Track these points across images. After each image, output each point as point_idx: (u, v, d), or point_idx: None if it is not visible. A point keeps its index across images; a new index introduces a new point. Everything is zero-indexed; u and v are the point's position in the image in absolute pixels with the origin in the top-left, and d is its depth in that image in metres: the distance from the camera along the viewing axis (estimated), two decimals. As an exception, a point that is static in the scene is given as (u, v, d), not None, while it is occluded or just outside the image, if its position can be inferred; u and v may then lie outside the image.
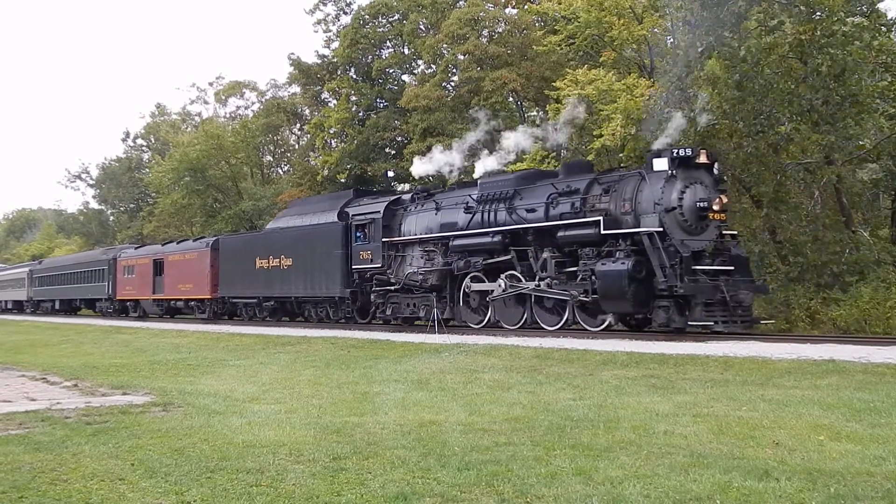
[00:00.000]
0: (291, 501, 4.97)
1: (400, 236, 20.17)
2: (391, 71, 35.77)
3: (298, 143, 48.18)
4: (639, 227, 14.74)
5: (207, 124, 48.83)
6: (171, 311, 31.78)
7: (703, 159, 15.03)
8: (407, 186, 37.15)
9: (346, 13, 38.22)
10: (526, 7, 30.79)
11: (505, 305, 17.38)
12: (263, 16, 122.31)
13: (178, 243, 32.36)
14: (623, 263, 14.54)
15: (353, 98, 35.47)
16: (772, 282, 18.62)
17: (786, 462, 5.64)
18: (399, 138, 33.86)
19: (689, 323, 14.17)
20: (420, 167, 23.73)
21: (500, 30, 30.20)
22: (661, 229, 14.42)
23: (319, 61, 38.67)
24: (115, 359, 16.86)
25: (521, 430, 7.11)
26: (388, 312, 20.58)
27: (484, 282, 17.89)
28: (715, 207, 14.82)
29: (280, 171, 51.72)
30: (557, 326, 16.26)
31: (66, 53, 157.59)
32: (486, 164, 20.94)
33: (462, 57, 29.27)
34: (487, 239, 17.61)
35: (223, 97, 53.55)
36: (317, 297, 22.85)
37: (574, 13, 26.18)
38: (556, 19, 27.64)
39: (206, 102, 56.69)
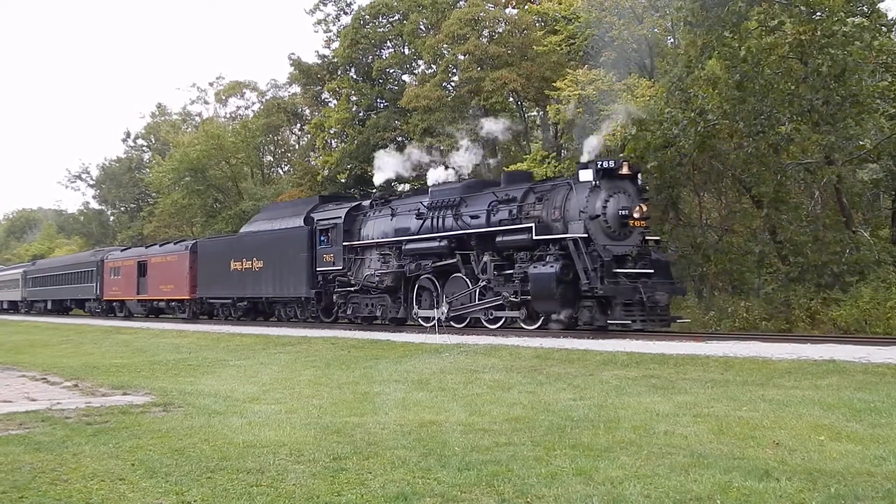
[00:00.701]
0: (292, 501, 4.97)
1: (359, 240, 21.39)
2: (391, 71, 35.76)
3: (299, 144, 48.18)
4: (566, 233, 15.94)
5: (208, 124, 48.81)
6: (153, 311, 32.98)
7: (625, 171, 16.29)
8: (408, 187, 37.25)
9: (346, 13, 38.24)
10: (526, 7, 30.79)
11: (457, 305, 18.61)
12: (264, 16, 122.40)
13: (160, 246, 33.67)
14: (552, 267, 15.70)
15: (354, 98, 35.46)
16: (772, 282, 18.64)
17: (786, 462, 5.64)
18: (399, 138, 33.84)
19: (609, 322, 15.40)
20: (380, 176, 25.09)
21: (501, 30, 30.18)
22: (585, 235, 15.68)
23: (320, 61, 38.67)
24: (116, 359, 16.86)
25: (522, 430, 7.11)
26: (349, 312, 21.84)
27: (433, 289, 19.16)
28: (636, 215, 16.09)
29: (280, 171, 51.73)
30: (498, 326, 17.60)
31: (67, 53, 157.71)
32: (437, 174, 21.91)
33: (462, 57, 29.25)
34: (436, 243, 18.81)
35: (223, 97, 53.57)
36: (285, 298, 24.14)
37: (574, 13, 26.21)
38: (556, 19, 27.67)
39: (206, 102, 56.72)
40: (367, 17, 35.27)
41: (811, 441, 6.32)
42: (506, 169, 26.00)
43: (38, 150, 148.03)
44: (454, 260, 18.44)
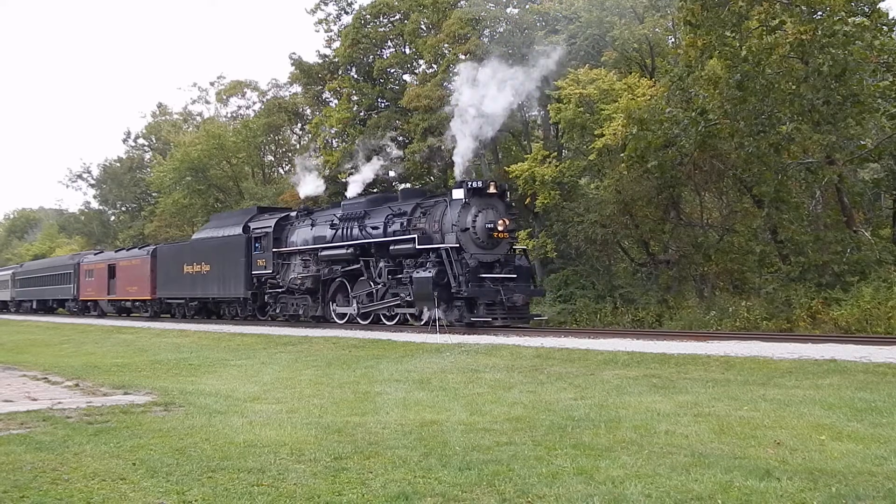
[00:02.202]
0: (293, 501, 4.97)
1: (286, 247, 24.19)
2: (392, 71, 35.72)
3: (300, 143, 48.16)
4: (442, 243, 18.60)
5: (209, 124, 48.80)
6: (121, 310, 36.28)
7: (492, 190, 19.16)
8: (408, 186, 37.26)
9: (347, 13, 38.18)
10: (527, 7, 30.76)
11: (362, 305, 21.51)
12: (264, 16, 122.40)
13: (127, 251, 36.82)
14: (429, 272, 18.44)
15: (355, 98, 35.41)
16: (773, 281, 18.62)
17: (787, 462, 5.63)
18: (400, 138, 33.83)
19: (472, 318, 18.04)
20: (307, 188, 28.77)
21: (502, 30, 30.16)
22: (457, 245, 18.36)
23: (320, 61, 38.62)
24: (117, 358, 16.87)
25: (523, 429, 7.11)
26: (278, 311, 24.84)
27: (348, 290, 21.88)
28: (500, 228, 18.78)
29: (281, 170, 51.70)
30: (394, 322, 20.43)
31: (68, 53, 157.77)
32: (352, 188, 25.56)
33: (463, 57, 29.23)
34: (344, 251, 21.54)
35: (224, 97, 53.54)
36: (228, 298, 27.08)
37: (575, 13, 26.19)
38: (557, 19, 27.65)
39: (207, 102, 56.72)
40: (368, 16, 35.23)
41: (812, 441, 6.32)
42: (506, 168, 26.07)
43: (39, 150, 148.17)
44: (359, 265, 21.26)
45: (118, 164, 61.40)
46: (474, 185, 19.00)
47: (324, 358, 15.40)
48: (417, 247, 19.05)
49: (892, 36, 17.75)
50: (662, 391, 9.35)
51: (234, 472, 5.65)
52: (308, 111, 43.89)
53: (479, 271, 18.30)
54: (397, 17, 35.02)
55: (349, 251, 21.37)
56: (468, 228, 18.56)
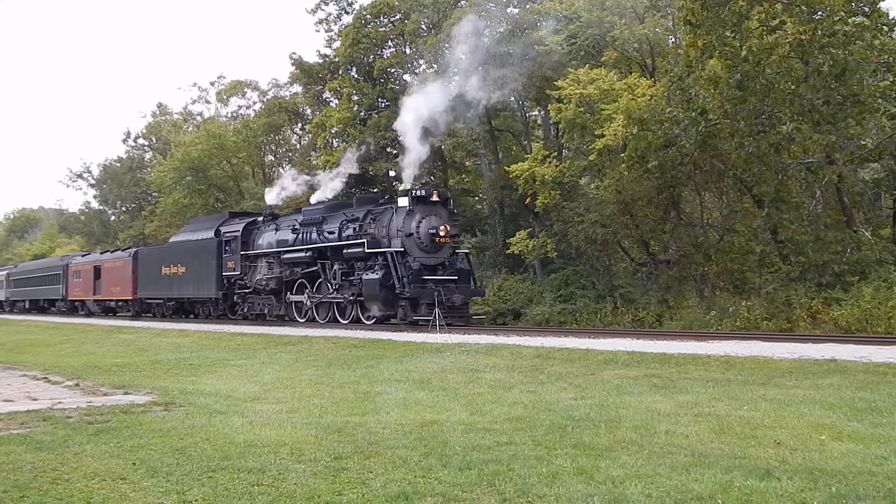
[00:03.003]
0: (293, 501, 4.97)
1: (253, 250, 25.80)
2: (392, 70, 35.73)
3: (300, 143, 48.14)
4: (389, 247, 20.13)
5: (209, 124, 48.78)
6: (106, 309, 37.64)
7: (436, 198, 20.75)
8: (408, 186, 37.23)
9: (347, 13, 38.16)
10: (528, 7, 30.75)
11: (319, 305, 23.19)
12: (265, 15, 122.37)
13: (111, 252, 38.62)
14: (377, 273, 20.02)
15: (355, 98, 35.41)
16: (773, 281, 18.62)
17: (787, 462, 5.63)
18: (400, 138, 33.83)
19: (414, 317, 19.56)
20: (271, 195, 30.53)
21: (502, 29, 30.15)
22: (402, 249, 19.93)
23: (321, 61, 38.62)
24: (117, 358, 16.87)
25: (523, 429, 7.11)
26: (246, 310, 26.65)
27: (305, 290, 23.57)
28: (441, 233, 20.23)
29: (282, 170, 51.68)
30: (348, 320, 21.79)
31: (68, 53, 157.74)
32: (315, 196, 27.00)
33: (463, 56, 29.22)
34: (303, 254, 23.12)
35: (224, 97, 53.51)
36: (201, 298, 28.71)
37: (575, 13, 26.18)
38: (557, 19, 27.64)
39: (207, 102, 56.68)
40: (369, 16, 35.22)
41: (812, 440, 6.32)
42: (507, 168, 26.07)
43: (39, 150, 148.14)
44: (316, 267, 22.83)
45: (118, 164, 61.38)
46: (418, 193, 20.68)
47: (324, 358, 15.40)
48: (367, 250, 20.62)
49: (892, 36, 17.76)
50: (663, 391, 9.35)
51: (235, 472, 5.65)
52: (308, 111, 43.88)
53: (422, 273, 19.88)
54: (398, 16, 35.02)
55: (308, 254, 22.97)
56: (412, 234, 20.16)
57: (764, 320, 17.60)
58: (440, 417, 7.87)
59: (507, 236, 27.85)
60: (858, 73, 16.70)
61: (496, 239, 30.55)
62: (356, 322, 21.47)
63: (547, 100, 26.10)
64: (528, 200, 25.37)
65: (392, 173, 35.91)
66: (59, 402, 9.30)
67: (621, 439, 6.54)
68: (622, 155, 20.63)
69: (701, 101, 18.73)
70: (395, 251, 19.90)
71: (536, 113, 33.60)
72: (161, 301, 31.64)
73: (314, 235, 22.98)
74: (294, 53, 48.14)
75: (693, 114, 18.44)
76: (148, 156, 60.95)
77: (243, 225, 26.49)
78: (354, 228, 21.54)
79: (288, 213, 27.10)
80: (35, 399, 9.82)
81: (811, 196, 19.79)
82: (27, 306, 47.82)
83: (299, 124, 46.91)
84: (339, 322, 21.90)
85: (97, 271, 37.24)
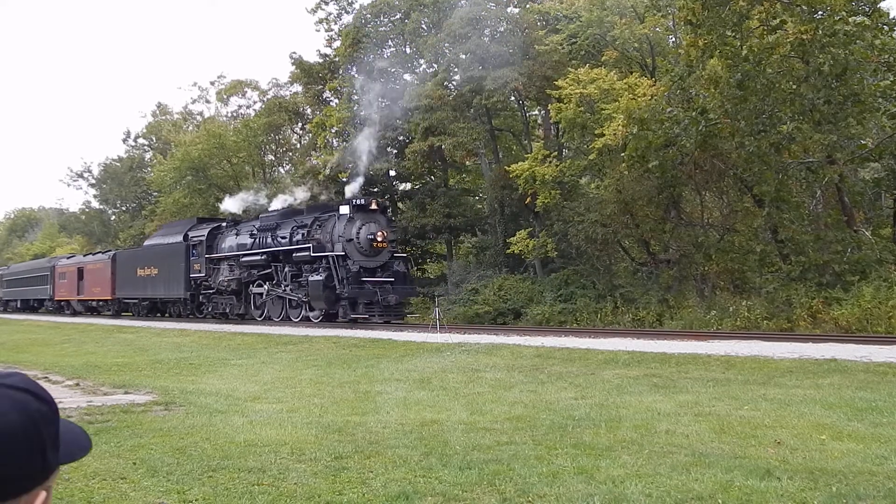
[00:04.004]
0: (293, 500, 4.97)
1: (216, 253, 27.82)
2: (393, 70, 35.73)
3: (300, 143, 48.12)
4: (332, 252, 22.09)
5: (209, 123, 48.74)
6: (89, 309, 39.33)
7: (374, 206, 22.93)
8: (409, 186, 37.30)
9: (347, 12, 38.20)
10: (528, 6, 30.76)
11: (273, 304, 25.07)
12: (265, 15, 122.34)
13: (93, 255, 40.92)
14: (321, 275, 21.95)
15: (355, 97, 35.42)
16: (773, 281, 18.61)
17: (787, 461, 5.63)
18: (401, 137, 33.82)
19: (352, 316, 21.50)
20: (230, 204, 33.08)
21: (502, 29, 30.16)
22: (343, 254, 21.94)
23: (321, 60, 38.64)
24: (117, 358, 16.86)
25: (523, 429, 7.11)
26: (210, 309, 28.60)
27: (262, 287, 25.56)
28: (379, 239, 22.25)
29: (282, 170, 51.65)
30: (298, 318, 23.65)
31: (68, 53, 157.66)
32: (274, 203, 29.64)
33: (463, 56, 29.24)
34: (258, 257, 25.19)
35: (225, 96, 53.43)
36: (171, 298, 30.79)
37: (576, 12, 26.18)
38: (557, 18, 27.65)
39: (207, 102, 56.63)
40: (369, 15, 35.22)
41: (813, 440, 6.31)
42: (507, 168, 26.10)
43: (39, 150, 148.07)
44: (270, 270, 24.90)
45: (118, 164, 61.35)
46: (358, 202, 22.77)
47: (324, 357, 15.39)
48: (313, 254, 22.59)
49: (893, 35, 17.76)
50: (663, 391, 9.35)
51: (235, 472, 5.64)
52: (308, 111, 43.86)
53: (361, 275, 21.85)
54: (398, 16, 35.00)
55: (263, 258, 25.05)
56: (352, 239, 22.13)
57: (764, 320, 17.60)
58: (440, 417, 7.87)
59: (508, 236, 27.86)
60: (859, 72, 16.70)
61: (496, 238, 30.56)
62: (305, 320, 23.31)
63: (547, 99, 26.10)
64: (528, 200, 25.37)
65: (393, 173, 35.94)
66: (60, 402, 9.20)
67: (622, 439, 6.53)
68: (622, 154, 20.62)
69: (701, 100, 18.72)
70: (337, 255, 21.89)
71: (536, 112, 33.60)
72: (136, 301, 33.75)
73: (269, 240, 25.05)
74: (294, 53, 48.16)
75: (693, 113, 18.44)
76: (148, 155, 60.88)
77: (208, 230, 28.53)
78: (303, 234, 23.54)
79: (248, 219, 29.39)
80: (35, 398, 9.79)
81: (811, 196, 19.79)
82: (19, 306, 49.82)
83: (299, 124, 46.89)
84: (291, 320, 23.92)
85: (80, 273, 39.09)
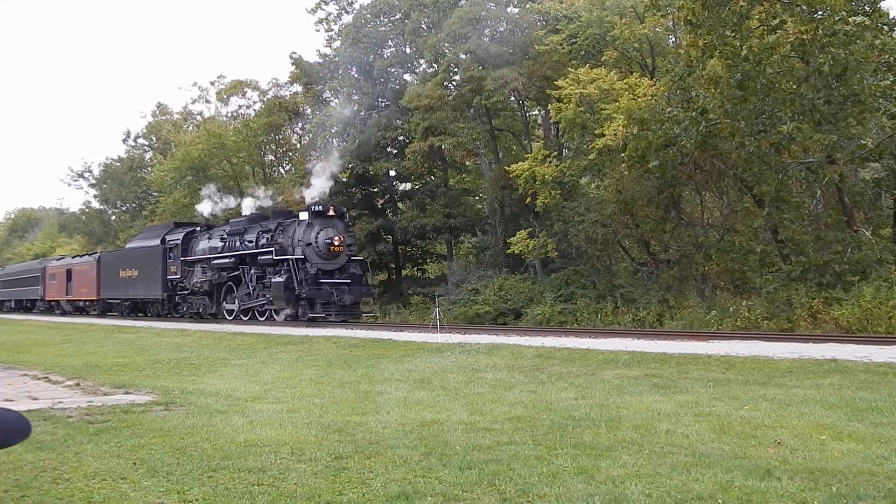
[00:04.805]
0: (293, 501, 4.97)
1: (190, 256, 29.33)
2: (393, 70, 35.73)
3: (300, 143, 48.11)
4: (292, 255, 23.65)
5: (209, 123, 48.71)
6: (77, 309, 40.77)
7: (332, 213, 24.39)
8: (409, 186, 37.30)
9: (347, 12, 38.20)
10: (528, 6, 30.75)
11: (241, 304, 26.54)
12: (265, 15, 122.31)
13: (81, 257, 42.51)
14: (282, 277, 23.65)
15: (355, 97, 35.43)
16: (774, 281, 18.61)
17: (788, 461, 5.63)
18: (401, 137, 33.83)
19: (310, 315, 23.06)
20: (203, 208, 34.69)
21: (502, 29, 30.16)
22: (302, 257, 23.58)
23: (321, 60, 38.65)
24: (117, 358, 16.86)
25: (523, 429, 7.11)
26: (185, 309, 30.12)
27: (234, 292, 27.23)
28: (336, 243, 23.86)
29: (282, 170, 51.64)
30: (265, 318, 25.14)
31: (68, 53, 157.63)
32: (245, 207, 31.27)
33: (463, 56, 29.23)
34: (227, 260, 26.76)
35: (225, 96, 53.36)
36: (150, 298, 32.44)
37: (576, 12, 26.17)
38: (557, 18, 27.64)
39: (207, 102, 56.48)
40: (369, 15, 35.22)
41: (813, 440, 6.31)
42: (507, 168, 26.10)
43: (40, 150, 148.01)
44: (238, 272, 26.48)
45: (118, 164, 61.32)
46: (317, 209, 24.29)
47: (324, 357, 15.39)
48: (275, 257, 24.15)
49: (893, 35, 17.75)
50: (663, 391, 9.35)
51: (235, 472, 5.65)
52: (308, 110, 43.85)
53: (319, 277, 23.44)
54: (398, 16, 35.00)
55: (231, 260, 26.61)
56: (311, 243, 23.72)
57: (764, 320, 17.60)
58: (441, 417, 7.87)
59: (508, 236, 27.86)
60: (859, 72, 16.70)
61: (496, 239, 30.56)
62: (270, 319, 24.83)
63: (547, 99, 26.10)
64: (528, 200, 25.37)
65: (393, 173, 35.95)
66: (60, 402, 9.30)
67: (622, 439, 6.53)
68: (622, 155, 20.62)
69: (701, 100, 18.72)
70: (297, 258, 23.49)
71: (536, 112, 33.59)
72: (119, 301, 35.54)
73: (237, 244, 26.60)
74: (294, 53, 48.15)
75: (693, 113, 18.43)
76: (148, 155, 60.86)
77: (184, 234, 30.09)
78: (267, 238, 25.04)
79: (220, 224, 31.01)
80: (35, 399, 9.82)
81: (812, 196, 19.79)
82: (13, 306, 51.16)
83: (299, 124, 46.88)
84: (258, 319, 25.51)
85: (69, 274, 40.62)
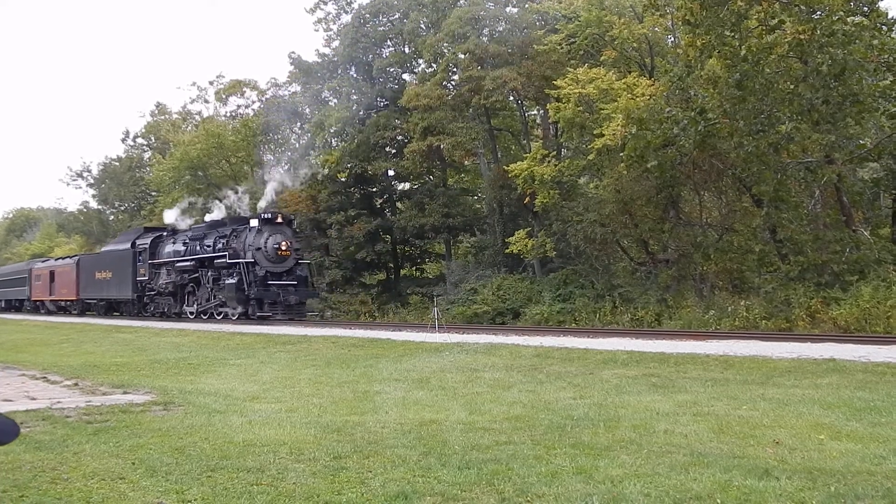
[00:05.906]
0: (292, 500, 4.96)
1: (157, 259, 31.51)
2: (391, 70, 35.73)
3: (299, 143, 48.07)
4: (243, 258, 25.86)
5: (208, 123, 48.67)
6: (60, 308, 42.42)
7: (280, 220, 26.86)
8: (407, 186, 37.29)
9: (346, 12, 38.18)
10: (527, 6, 30.75)
11: (201, 304, 28.52)
12: (264, 15, 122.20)
13: (62, 259, 44.42)
14: (234, 279, 26.04)
15: (354, 97, 35.42)
16: (772, 281, 18.62)
17: (786, 461, 5.63)
18: (400, 137, 33.82)
19: (259, 314, 25.36)
20: (170, 215, 35.70)
21: (501, 29, 30.16)
22: (252, 261, 25.83)
23: (320, 60, 38.63)
24: (116, 358, 16.85)
25: (522, 428, 7.11)
26: (153, 309, 32.27)
27: (195, 293, 29.31)
28: (283, 248, 26.20)
29: (281, 170, 51.57)
30: (221, 317, 27.29)
31: (67, 53, 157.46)
32: (212, 215, 32.70)
33: (462, 56, 29.23)
34: (188, 263, 28.87)
35: (223, 96, 53.33)
36: (122, 299, 34.69)
37: (574, 12, 26.17)
38: (556, 18, 27.64)
39: (206, 101, 56.37)
40: (368, 15, 35.22)
41: (811, 440, 6.32)
42: (505, 168, 26.11)
43: (39, 150, 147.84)
44: (197, 274, 28.62)
45: (117, 164, 61.25)
46: (266, 216, 26.69)
47: (323, 357, 15.39)
48: (229, 261, 26.30)
49: (892, 35, 17.76)
50: (661, 390, 9.35)
51: (234, 472, 5.64)
52: (307, 110, 43.84)
53: (268, 279, 25.78)
54: (397, 16, 35.00)
55: (192, 263, 28.65)
56: (261, 248, 25.99)
57: (763, 320, 17.61)
58: (439, 417, 7.87)
59: (506, 236, 27.86)
60: (858, 72, 16.70)
61: (495, 238, 30.57)
62: (225, 317, 27.00)
63: (546, 99, 26.10)
64: (527, 200, 25.37)
65: (391, 172, 35.94)
66: (58, 402, 9.29)
67: (620, 439, 6.54)
68: (621, 154, 20.62)
69: (700, 100, 18.72)
70: (248, 262, 25.70)
71: (535, 112, 33.59)
72: (95, 301, 37.57)
73: (197, 248, 28.72)
74: (293, 53, 48.02)
75: (692, 113, 18.43)
76: (147, 155, 60.79)
77: (151, 238, 32.24)
78: (223, 243, 27.14)
79: (184, 230, 32.68)
80: (34, 398, 9.81)
81: (810, 195, 19.79)
82: (3, 305, 52.83)
83: (298, 124, 46.85)
84: (215, 318, 27.47)
85: (52, 275, 42.49)
